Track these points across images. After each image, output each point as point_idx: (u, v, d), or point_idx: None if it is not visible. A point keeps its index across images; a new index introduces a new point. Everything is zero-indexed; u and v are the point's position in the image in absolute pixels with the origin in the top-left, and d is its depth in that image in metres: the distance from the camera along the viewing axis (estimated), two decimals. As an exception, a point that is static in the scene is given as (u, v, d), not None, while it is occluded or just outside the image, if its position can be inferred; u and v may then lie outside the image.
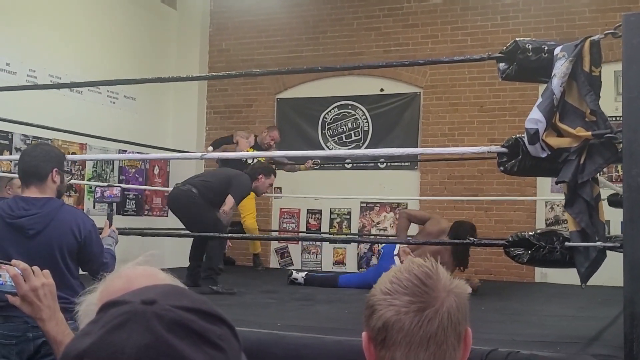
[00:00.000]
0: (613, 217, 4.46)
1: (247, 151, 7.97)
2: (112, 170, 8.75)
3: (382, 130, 9.16)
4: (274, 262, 9.51)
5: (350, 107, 9.31)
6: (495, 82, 8.21)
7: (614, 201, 5.84)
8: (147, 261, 1.32)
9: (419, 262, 1.30)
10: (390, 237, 8.98)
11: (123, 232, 4.61)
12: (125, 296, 0.88)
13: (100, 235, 3.62)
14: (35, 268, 1.88)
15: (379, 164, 9.12)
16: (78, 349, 0.80)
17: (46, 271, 1.90)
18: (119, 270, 1.30)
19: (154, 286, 0.96)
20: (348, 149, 9.17)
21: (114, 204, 4.18)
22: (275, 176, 6.95)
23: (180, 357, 0.78)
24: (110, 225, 3.87)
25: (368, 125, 9.23)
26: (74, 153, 7.86)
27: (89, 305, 1.30)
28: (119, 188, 4.31)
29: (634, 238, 2.75)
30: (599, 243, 3.02)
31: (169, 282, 1.16)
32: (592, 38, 3.09)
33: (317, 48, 9.45)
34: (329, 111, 9.40)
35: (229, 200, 6.16)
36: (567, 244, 3.09)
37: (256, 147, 8.26)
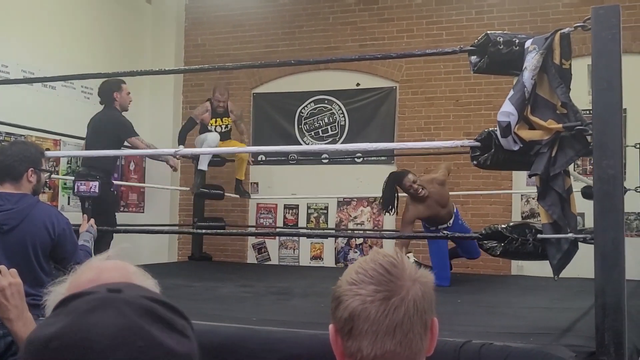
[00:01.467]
0: (588, 210, 4.51)
1: (209, 121, 8.21)
2: (87, 167, 8.67)
3: (358, 124, 9.17)
4: (251, 257, 9.49)
5: (326, 101, 9.31)
6: (471, 76, 8.25)
7: (587, 193, 5.90)
8: (118, 255, 1.31)
9: (384, 252, 1.31)
10: (367, 231, 9.02)
11: (99, 229, 4.58)
12: (88, 289, 0.89)
13: (79, 230, 3.60)
14: (2, 267, 1.86)
15: (355, 159, 9.13)
16: (45, 335, 0.80)
17: (13, 270, 1.88)
18: (89, 262, 1.30)
19: (116, 282, 0.96)
20: (325, 143, 9.17)
21: (91, 199, 4.15)
22: (125, 83, 6.60)
23: (153, 339, 0.79)
24: (89, 220, 3.85)
25: (344, 120, 9.23)
26: (47, 149, 7.77)
27: (57, 295, 1.29)
28: (96, 183, 4.28)
29: (605, 229, 2.77)
30: (570, 235, 3.04)
31: (139, 275, 1.16)
32: (562, 31, 3.10)
33: (293, 43, 9.43)
34: (305, 106, 9.39)
35: (136, 142, 6.24)
36: (539, 236, 3.11)
37: (214, 113, 8.31)
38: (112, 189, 6.23)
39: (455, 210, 6.57)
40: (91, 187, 4.21)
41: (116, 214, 6.56)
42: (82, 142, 8.11)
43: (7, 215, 3.21)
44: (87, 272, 1.25)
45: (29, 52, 7.74)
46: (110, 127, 6.27)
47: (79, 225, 3.83)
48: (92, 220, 3.88)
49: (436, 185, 6.32)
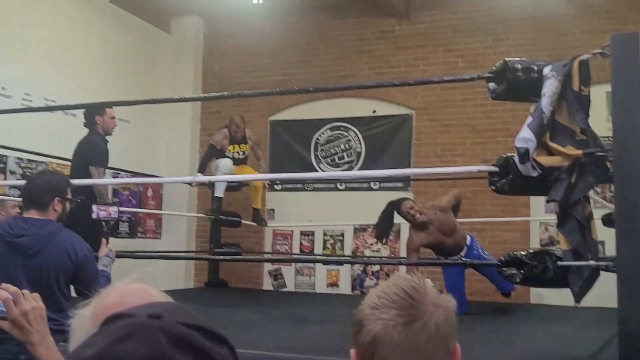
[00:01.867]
0: (608, 238, 4.46)
1: (227, 147, 8.20)
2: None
3: (374, 151, 9.17)
4: (267, 284, 9.47)
5: (342, 128, 9.34)
6: (487, 103, 8.24)
7: (608, 221, 5.84)
8: (141, 278, 1.32)
9: (405, 277, 1.30)
10: (383, 258, 8.98)
11: (116, 254, 4.60)
12: (131, 310, 0.88)
13: (97, 254, 3.62)
14: (25, 291, 1.87)
15: (372, 185, 9.12)
16: (82, 358, 0.80)
17: (36, 295, 1.89)
18: (112, 286, 1.31)
19: (158, 303, 0.97)
20: (341, 170, 9.18)
21: (110, 223, 4.18)
22: (110, 108, 6.37)
23: None
24: (107, 244, 3.87)
25: (361, 147, 9.25)
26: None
27: (81, 319, 1.30)
28: (115, 208, 4.31)
29: (627, 256, 2.75)
30: (591, 262, 3.01)
31: (161, 299, 1.17)
32: (581, 58, 3.11)
33: (310, 70, 9.49)
34: (322, 133, 9.42)
35: (92, 171, 5.95)
36: (559, 263, 3.08)
37: (232, 139, 8.32)
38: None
39: (469, 242, 6.32)
40: (111, 212, 4.22)
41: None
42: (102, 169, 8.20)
43: (32, 239, 3.25)
44: (111, 295, 1.26)
45: (52, 80, 7.85)
46: (82, 152, 6.19)
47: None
48: (110, 245, 3.90)
49: (438, 212, 6.15)
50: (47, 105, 7.55)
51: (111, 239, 8.24)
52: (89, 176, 5.83)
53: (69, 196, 3.51)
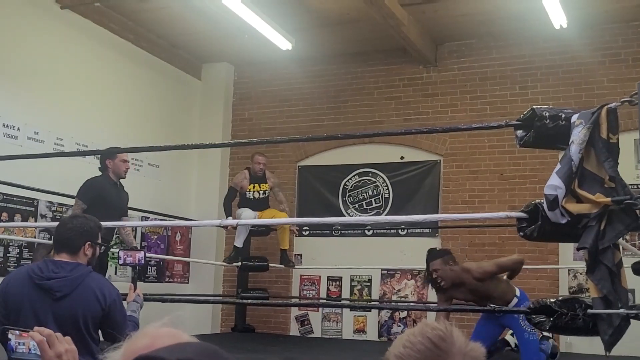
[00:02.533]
0: (638, 286, 4.41)
1: (247, 187, 8.32)
2: (135, 237, 8.82)
3: (402, 197, 9.19)
4: (293, 329, 9.43)
5: (370, 174, 9.39)
6: (515, 149, 8.26)
7: (638, 269, 5.77)
8: (172, 322, 1.33)
9: (432, 325, 1.27)
10: (410, 304, 8.91)
11: (144, 298, 4.63)
12: (160, 352, 0.86)
13: (126, 300, 3.63)
14: (59, 334, 1.90)
15: (399, 231, 9.11)
16: None
17: (68, 338, 1.92)
18: (143, 329, 1.31)
19: (188, 344, 0.94)
20: (369, 215, 9.19)
21: (137, 268, 4.22)
22: (122, 152, 6.52)
23: None
24: (135, 289, 3.89)
25: (389, 193, 9.27)
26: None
27: None
28: (142, 253, 4.35)
29: (657, 304, 2.72)
30: (622, 310, 2.99)
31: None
32: (609, 106, 3.13)
33: (338, 117, 9.59)
34: (350, 178, 9.47)
35: (75, 202, 6.14)
36: (589, 311, 3.06)
37: (252, 178, 8.38)
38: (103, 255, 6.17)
39: (518, 294, 5.78)
40: (138, 258, 4.26)
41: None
42: (130, 212, 8.30)
43: (61, 282, 3.28)
44: (142, 339, 1.27)
45: (84, 126, 8.03)
46: (82, 186, 6.37)
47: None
48: (139, 289, 3.92)
49: (471, 278, 5.44)
50: (78, 150, 7.71)
51: (139, 284, 8.30)
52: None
53: (99, 240, 3.56)
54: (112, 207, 6.34)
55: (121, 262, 4.51)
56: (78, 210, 6.05)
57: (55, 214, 7.55)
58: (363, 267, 9.02)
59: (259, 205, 8.36)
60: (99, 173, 6.51)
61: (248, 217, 7.99)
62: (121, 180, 6.60)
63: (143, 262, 4.41)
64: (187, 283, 9.69)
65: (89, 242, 3.42)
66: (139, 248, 6.74)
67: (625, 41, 8.38)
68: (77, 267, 3.34)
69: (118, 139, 7.91)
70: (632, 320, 3.06)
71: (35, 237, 7.28)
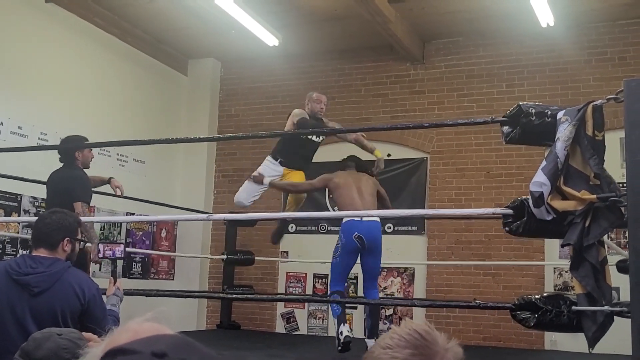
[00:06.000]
0: (623, 284, 4.42)
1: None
2: (120, 233, 8.77)
3: (389, 195, 9.14)
4: (279, 326, 9.41)
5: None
6: (502, 147, 8.28)
7: (622, 267, 5.79)
8: (155, 318, 1.31)
9: (416, 323, 1.31)
10: (397, 300, 8.91)
11: (127, 292, 4.59)
12: (133, 344, 0.84)
13: (105, 294, 3.60)
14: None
15: (386, 228, 9.09)
16: None
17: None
18: (125, 324, 1.29)
19: (164, 336, 0.93)
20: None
21: (117, 262, 4.16)
22: (86, 139, 6.17)
23: None
24: (115, 282, 3.85)
25: (375, 190, 9.24)
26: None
27: (93, 357, 1.29)
28: (122, 246, 4.30)
29: (641, 301, 2.72)
30: (605, 307, 2.99)
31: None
32: (594, 103, 3.13)
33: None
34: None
35: (77, 207, 5.67)
36: (573, 307, 3.06)
37: (313, 117, 6.94)
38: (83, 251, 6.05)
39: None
40: (116, 251, 4.21)
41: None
42: (115, 208, 8.24)
43: (39, 278, 3.24)
44: (124, 334, 1.25)
45: (67, 120, 7.95)
46: (67, 187, 5.95)
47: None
48: (119, 282, 3.88)
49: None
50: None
51: (123, 279, 8.24)
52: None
53: (79, 236, 3.52)
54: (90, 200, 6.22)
55: (100, 255, 4.45)
56: (87, 212, 5.88)
57: (38, 209, 7.48)
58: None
59: (313, 148, 7.13)
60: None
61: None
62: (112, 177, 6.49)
63: (122, 255, 4.35)
64: (173, 280, 9.65)
65: (68, 238, 3.39)
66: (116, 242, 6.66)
67: (612, 40, 8.41)
68: (55, 263, 3.31)
69: (103, 134, 7.84)
70: (615, 318, 3.06)
71: (18, 233, 7.22)
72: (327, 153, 9.49)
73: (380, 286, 9.03)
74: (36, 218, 3.63)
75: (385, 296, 8.98)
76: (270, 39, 8.55)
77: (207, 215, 4.79)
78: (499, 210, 3.37)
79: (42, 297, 3.22)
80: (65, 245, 3.38)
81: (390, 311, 8.88)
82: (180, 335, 1.02)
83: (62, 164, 6.15)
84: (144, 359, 0.78)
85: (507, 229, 3.26)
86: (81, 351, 1.33)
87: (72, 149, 6.09)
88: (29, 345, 2.12)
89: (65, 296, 3.26)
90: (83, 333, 2.66)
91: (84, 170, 6.15)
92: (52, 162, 7.34)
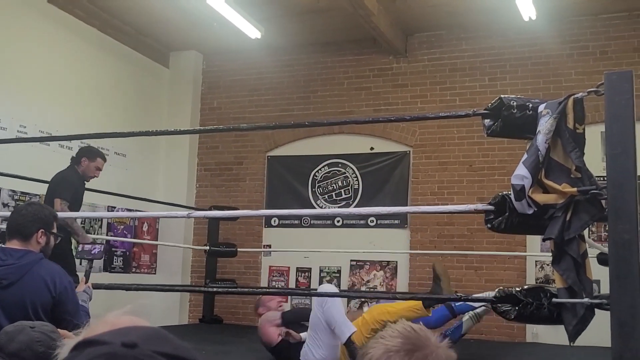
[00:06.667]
0: (603, 277, 4.43)
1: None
2: (101, 227, 8.70)
3: (372, 188, 9.18)
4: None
5: (340, 165, 9.36)
6: (484, 141, 8.30)
7: (603, 260, 5.82)
8: (134, 311, 1.29)
9: (410, 323, 1.39)
10: (379, 293, 8.92)
11: (108, 287, 4.55)
12: (103, 336, 0.83)
13: (76, 290, 3.56)
14: None
15: (369, 222, 9.10)
16: None
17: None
18: (104, 317, 1.28)
19: (134, 327, 0.92)
20: (338, 206, 9.17)
21: (93, 262, 4.10)
22: (103, 160, 6.29)
23: None
24: (87, 282, 3.82)
25: (358, 184, 9.25)
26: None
27: (69, 350, 1.27)
28: (102, 247, 4.25)
29: (621, 294, 2.72)
30: (586, 300, 2.99)
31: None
32: (575, 96, 3.12)
33: (308, 107, 9.54)
34: (319, 169, 9.44)
35: (56, 203, 5.72)
36: (554, 300, 3.05)
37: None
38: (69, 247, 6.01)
39: None
40: (94, 249, 4.14)
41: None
42: (96, 201, 8.17)
43: (8, 270, 3.19)
44: (102, 327, 1.23)
45: (47, 113, 7.87)
46: (52, 184, 6.09)
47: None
48: (89, 283, 3.84)
49: None
50: (42, 137, 7.55)
51: (104, 273, 8.19)
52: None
53: (55, 230, 3.47)
54: (78, 204, 6.20)
55: (77, 253, 4.39)
56: (67, 209, 5.83)
57: (18, 203, 7.40)
58: (332, 259, 9.00)
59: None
60: (68, 161, 6.29)
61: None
62: None
63: (100, 256, 4.29)
64: (155, 274, 9.59)
65: (43, 230, 3.34)
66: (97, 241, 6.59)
67: (593, 34, 8.44)
68: (26, 255, 3.26)
69: (83, 127, 7.77)
70: (596, 311, 3.07)
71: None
72: (309, 146, 9.49)
73: (363, 279, 9.05)
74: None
75: (367, 289, 8.99)
76: (253, 32, 8.50)
77: (187, 213, 4.73)
78: (480, 206, 3.36)
79: (11, 290, 3.17)
80: (39, 237, 3.34)
81: (373, 304, 8.87)
82: (153, 327, 1.00)
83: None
84: (114, 350, 0.77)
85: (489, 225, 3.25)
86: (58, 343, 1.31)
87: (82, 154, 6.20)
88: (1, 339, 2.10)
89: (35, 289, 3.21)
90: (58, 330, 2.63)
91: (84, 181, 6.17)
92: (31, 154, 7.29)
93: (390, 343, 1.27)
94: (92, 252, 4.03)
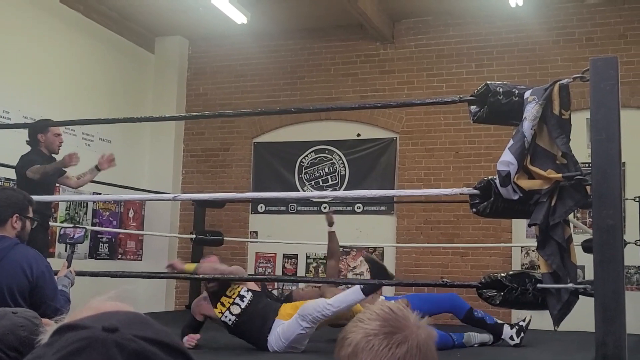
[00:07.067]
0: (588, 263, 4.47)
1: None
2: (86, 213, 8.66)
3: (358, 174, 9.18)
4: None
5: (327, 151, 9.35)
6: (471, 127, 8.31)
7: (588, 247, 5.86)
8: (119, 296, 1.29)
9: (391, 302, 1.43)
10: (365, 279, 8.94)
11: (93, 274, 4.53)
12: (84, 320, 0.83)
13: (56, 275, 3.53)
14: None
15: (355, 209, 9.11)
16: None
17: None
18: (88, 302, 1.27)
19: (116, 312, 0.91)
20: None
21: (76, 246, 4.06)
22: (54, 125, 6.04)
23: None
24: (69, 266, 3.78)
25: (345, 170, 9.25)
26: (47, 195, 7.75)
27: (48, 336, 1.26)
28: (83, 230, 4.20)
29: (605, 279, 2.74)
30: (570, 285, 3.01)
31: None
32: (561, 82, 3.12)
33: (295, 93, 9.51)
34: (306, 155, 9.42)
35: (28, 174, 5.60)
36: (539, 285, 3.07)
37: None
38: (47, 233, 5.95)
39: None
40: (75, 235, 4.09)
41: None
42: (83, 189, 8.10)
43: None
44: (85, 312, 1.22)
45: (31, 98, 7.80)
46: (18, 166, 5.89)
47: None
48: (72, 267, 3.80)
49: None
50: (26, 123, 7.47)
51: (89, 260, 8.14)
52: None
53: (30, 214, 3.45)
54: (51, 186, 6.02)
55: (61, 240, 4.34)
56: (38, 175, 5.64)
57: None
58: (319, 244, 8.99)
59: None
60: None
61: None
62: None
63: (82, 240, 4.24)
64: (141, 260, 9.57)
65: (17, 215, 3.32)
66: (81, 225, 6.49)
67: (580, 20, 8.46)
68: (1, 240, 3.24)
69: (67, 112, 7.69)
70: (580, 296, 3.09)
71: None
72: (295, 132, 9.47)
73: (350, 266, 9.07)
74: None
75: (354, 276, 9.01)
76: (239, 17, 8.45)
77: (173, 195, 4.72)
78: (466, 190, 3.37)
79: None
80: (14, 222, 3.31)
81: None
82: (136, 312, 1.00)
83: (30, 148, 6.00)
84: (94, 334, 0.77)
85: (474, 210, 3.26)
86: (41, 329, 1.31)
87: (35, 132, 5.93)
88: None
89: (12, 273, 3.18)
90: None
91: (52, 154, 5.99)
92: (13, 140, 7.20)
93: (368, 327, 1.25)
94: (74, 236, 3.99)
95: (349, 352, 1.24)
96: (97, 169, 6.09)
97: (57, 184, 6.24)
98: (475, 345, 5.65)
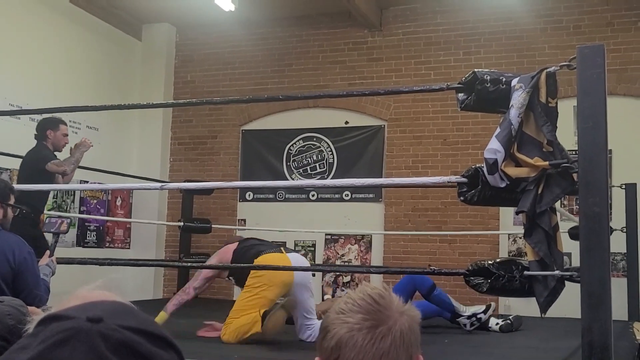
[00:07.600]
0: (574, 250, 4.50)
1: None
2: (73, 202, 8.62)
3: (347, 162, 9.19)
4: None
5: (315, 139, 9.34)
6: (458, 115, 8.33)
7: (575, 234, 5.90)
8: (106, 286, 1.28)
9: (372, 286, 1.33)
10: (354, 267, 8.97)
11: (81, 261, 4.52)
12: (69, 311, 0.83)
13: (39, 263, 3.52)
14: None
15: (343, 196, 9.13)
16: None
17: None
18: (75, 291, 1.26)
19: (101, 302, 0.91)
20: (313, 180, 9.16)
21: (60, 236, 4.06)
22: (65, 125, 6.19)
23: None
24: (51, 255, 3.77)
25: (333, 158, 9.25)
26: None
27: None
28: (68, 220, 4.21)
29: (591, 266, 2.76)
30: (556, 272, 3.03)
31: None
32: (548, 70, 3.13)
33: (282, 80, 9.49)
34: (294, 143, 9.42)
35: (51, 167, 5.76)
36: (526, 272, 3.09)
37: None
38: (39, 227, 5.94)
39: None
40: (60, 224, 4.08)
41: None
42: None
43: None
44: (73, 301, 1.22)
45: (18, 86, 7.74)
46: (32, 161, 5.94)
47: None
48: (53, 257, 3.79)
49: None
50: (12, 110, 7.42)
51: (77, 248, 8.10)
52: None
53: (11, 202, 3.43)
54: (53, 179, 6.01)
55: (45, 228, 4.33)
56: (62, 169, 5.82)
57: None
58: (307, 232, 9.01)
59: None
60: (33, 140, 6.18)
61: None
62: None
63: (66, 231, 4.24)
64: (129, 248, 9.55)
65: None
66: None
67: (567, 8, 8.47)
68: None
69: (54, 100, 7.65)
70: (567, 283, 3.11)
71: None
72: (283, 120, 9.46)
73: (338, 254, 9.09)
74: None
75: (342, 263, 9.04)
76: (226, 4, 8.41)
77: (161, 184, 4.70)
78: (453, 179, 3.37)
79: None
80: None
81: (347, 278, 8.94)
82: (122, 301, 1.00)
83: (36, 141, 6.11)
84: (79, 324, 0.77)
85: (461, 198, 3.27)
86: (28, 318, 1.30)
87: (44, 127, 6.04)
88: None
89: None
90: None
91: (55, 152, 6.05)
92: (1, 128, 7.16)
93: (351, 320, 1.24)
94: (58, 226, 3.98)
95: (332, 345, 1.24)
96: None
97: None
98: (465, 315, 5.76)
